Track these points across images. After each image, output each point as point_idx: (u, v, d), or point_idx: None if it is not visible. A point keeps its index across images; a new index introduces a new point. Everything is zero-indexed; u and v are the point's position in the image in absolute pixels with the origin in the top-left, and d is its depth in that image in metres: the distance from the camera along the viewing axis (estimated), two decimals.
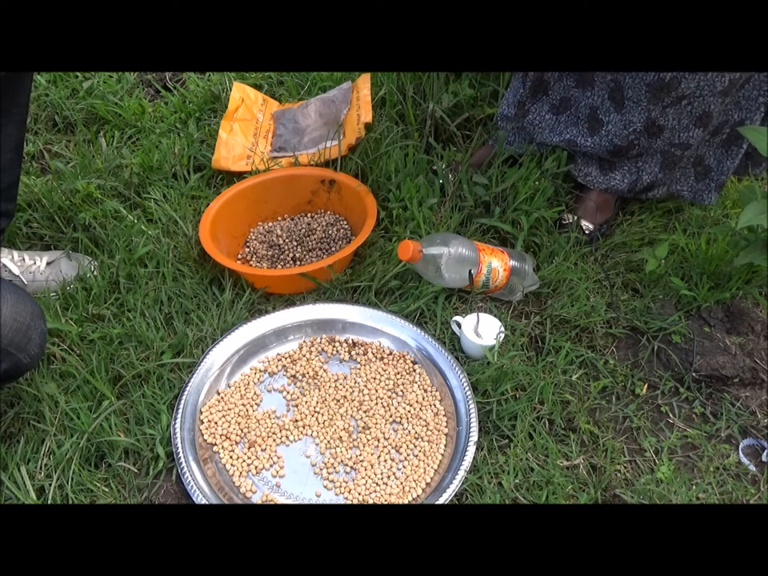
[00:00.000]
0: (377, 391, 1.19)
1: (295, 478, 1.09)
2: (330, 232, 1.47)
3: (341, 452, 1.11)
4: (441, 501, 1.02)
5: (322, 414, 1.16)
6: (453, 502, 1.03)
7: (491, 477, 1.06)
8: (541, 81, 1.43)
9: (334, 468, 1.09)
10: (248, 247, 1.47)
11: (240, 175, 1.55)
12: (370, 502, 1.05)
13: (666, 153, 1.36)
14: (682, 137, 1.32)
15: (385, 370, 1.22)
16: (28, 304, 0.98)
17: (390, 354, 1.24)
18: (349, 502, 1.05)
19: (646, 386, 1.21)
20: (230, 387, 1.20)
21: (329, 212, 1.52)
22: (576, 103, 1.40)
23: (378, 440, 1.12)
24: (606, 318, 1.29)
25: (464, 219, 1.43)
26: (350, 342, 1.26)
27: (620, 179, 1.41)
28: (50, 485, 1.03)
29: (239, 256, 1.45)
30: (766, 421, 1.15)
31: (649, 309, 1.30)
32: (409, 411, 1.16)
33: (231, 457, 1.10)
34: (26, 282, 1.29)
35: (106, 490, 1.04)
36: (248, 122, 1.65)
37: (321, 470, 1.09)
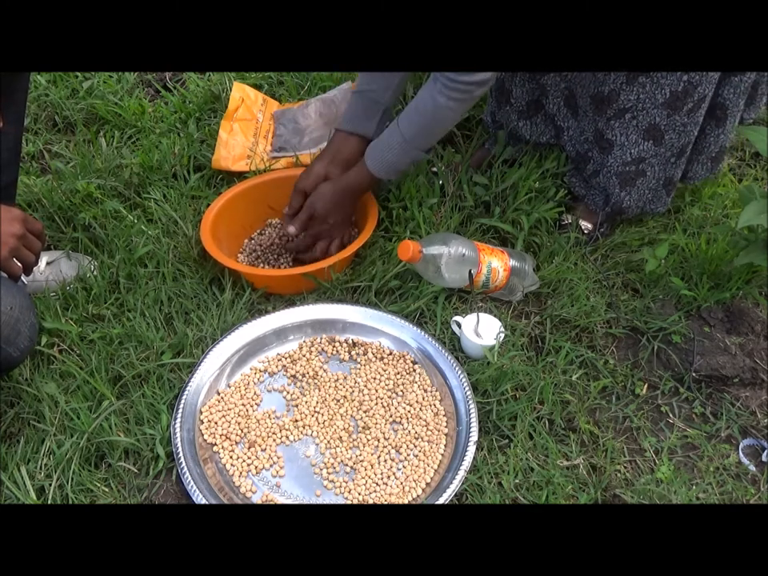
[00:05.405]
0: (377, 391, 1.19)
1: (295, 477, 1.09)
2: None
3: (341, 452, 1.11)
4: (441, 501, 1.02)
5: (322, 414, 1.16)
6: (453, 502, 1.03)
7: (491, 477, 1.06)
8: (502, 89, 1.43)
9: (334, 468, 1.09)
10: (248, 247, 1.46)
11: (240, 175, 1.55)
12: (370, 502, 1.05)
13: (621, 174, 1.33)
14: (633, 152, 1.29)
15: (385, 370, 1.22)
16: (17, 297, 0.96)
17: (390, 353, 1.24)
18: (349, 502, 1.05)
19: (645, 385, 1.21)
20: (229, 387, 1.20)
21: None
22: (544, 106, 1.41)
23: (378, 440, 1.12)
24: (606, 318, 1.29)
25: (464, 219, 1.43)
26: (350, 342, 1.26)
27: (597, 194, 1.40)
28: (50, 485, 1.03)
29: (239, 256, 1.45)
30: (766, 421, 1.15)
31: (649, 309, 1.29)
32: (409, 411, 1.16)
33: (231, 457, 1.10)
34: (25, 282, 1.29)
35: (106, 489, 1.04)
36: (248, 121, 1.65)
37: (321, 470, 1.09)
